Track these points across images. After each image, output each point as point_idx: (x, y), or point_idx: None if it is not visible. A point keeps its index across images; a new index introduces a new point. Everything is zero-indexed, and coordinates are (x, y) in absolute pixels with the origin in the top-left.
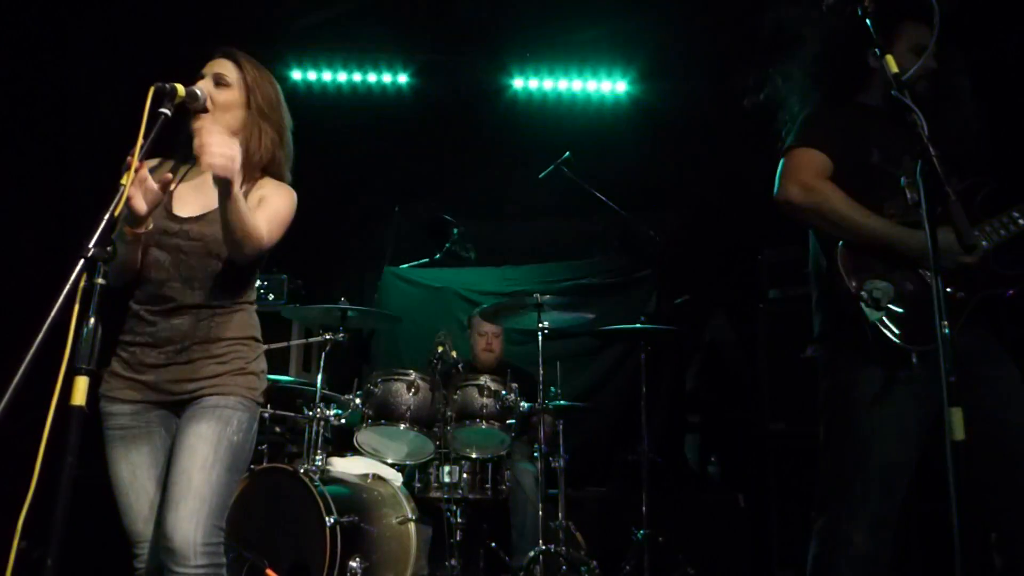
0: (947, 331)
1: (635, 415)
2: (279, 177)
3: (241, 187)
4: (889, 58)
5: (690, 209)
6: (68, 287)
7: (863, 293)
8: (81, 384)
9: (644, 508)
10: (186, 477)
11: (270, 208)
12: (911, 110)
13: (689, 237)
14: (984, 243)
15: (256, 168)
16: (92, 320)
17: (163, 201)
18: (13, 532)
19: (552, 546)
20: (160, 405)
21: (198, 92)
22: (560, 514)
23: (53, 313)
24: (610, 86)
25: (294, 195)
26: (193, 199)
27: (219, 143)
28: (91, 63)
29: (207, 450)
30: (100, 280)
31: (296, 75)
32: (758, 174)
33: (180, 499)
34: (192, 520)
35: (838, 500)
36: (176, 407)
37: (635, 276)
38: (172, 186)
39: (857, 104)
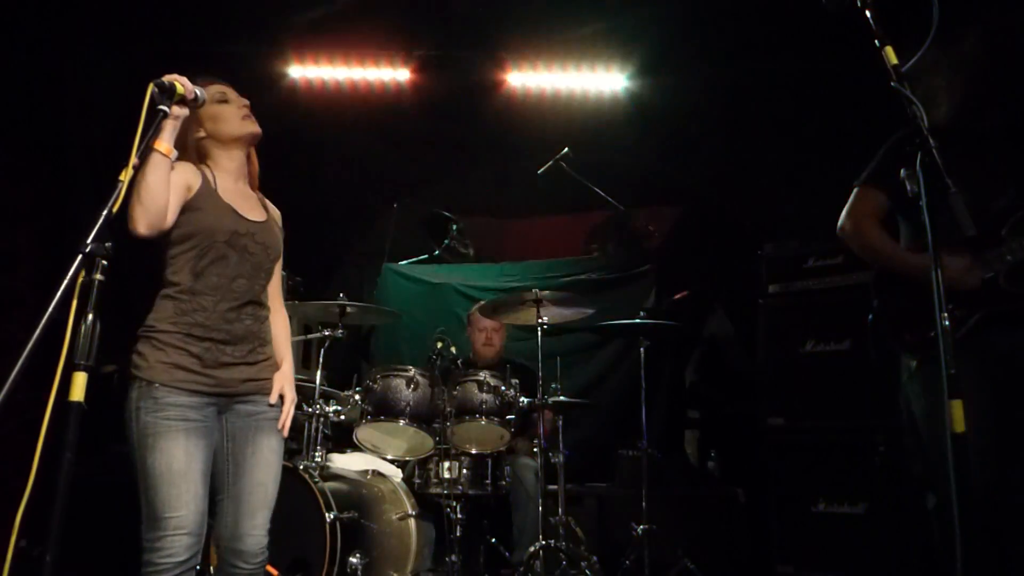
0: (946, 323)
1: (635, 410)
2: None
3: (255, 198)
4: (888, 50)
5: (689, 204)
6: (66, 283)
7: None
8: (80, 380)
9: (644, 503)
10: (263, 490)
11: (276, 285)
12: (912, 102)
13: (688, 232)
14: (1008, 257)
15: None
16: (91, 316)
17: (222, 199)
18: (11, 529)
19: (552, 541)
20: (219, 396)
21: (197, 92)
22: (560, 509)
23: (51, 309)
24: (608, 81)
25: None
26: (243, 202)
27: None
28: (90, 58)
29: (277, 464)
30: (98, 276)
31: (296, 71)
32: (758, 168)
33: (257, 509)
34: (264, 528)
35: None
36: (231, 399)
37: (634, 271)
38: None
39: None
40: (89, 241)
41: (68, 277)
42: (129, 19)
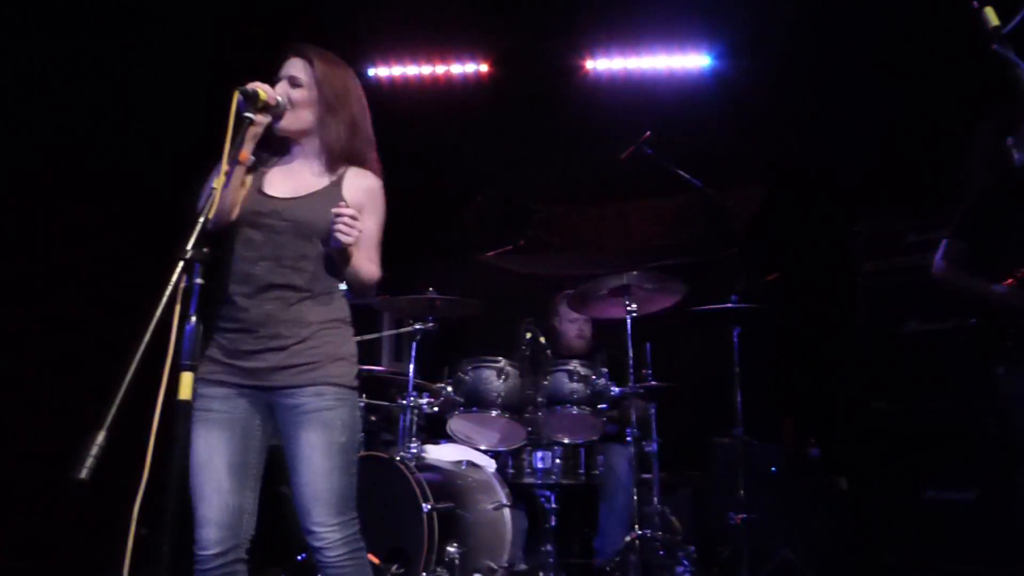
0: None
1: (728, 397)
2: (361, 163)
3: (326, 177)
4: (988, 9)
5: (777, 182)
6: (170, 288)
7: None
8: (186, 379)
9: (742, 492)
10: (310, 488)
11: (369, 236)
12: (1016, 65)
13: (778, 211)
14: None
15: (337, 159)
16: (193, 318)
17: (253, 182)
18: (130, 520)
19: (648, 531)
20: (253, 389)
21: (279, 99)
22: (655, 499)
23: (158, 313)
24: (690, 61)
25: (379, 185)
26: (283, 182)
27: (351, 221)
28: (176, 65)
29: (320, 460)
30: (199, 280)
31: (376, 71)
32: (848, 142)
33: (311, 506)
34: (326, 524)
35: None
36: (270, 392)
37: (723, 254)
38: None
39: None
40: (189, 248)
41: (171, 283)
42: (212, 23)
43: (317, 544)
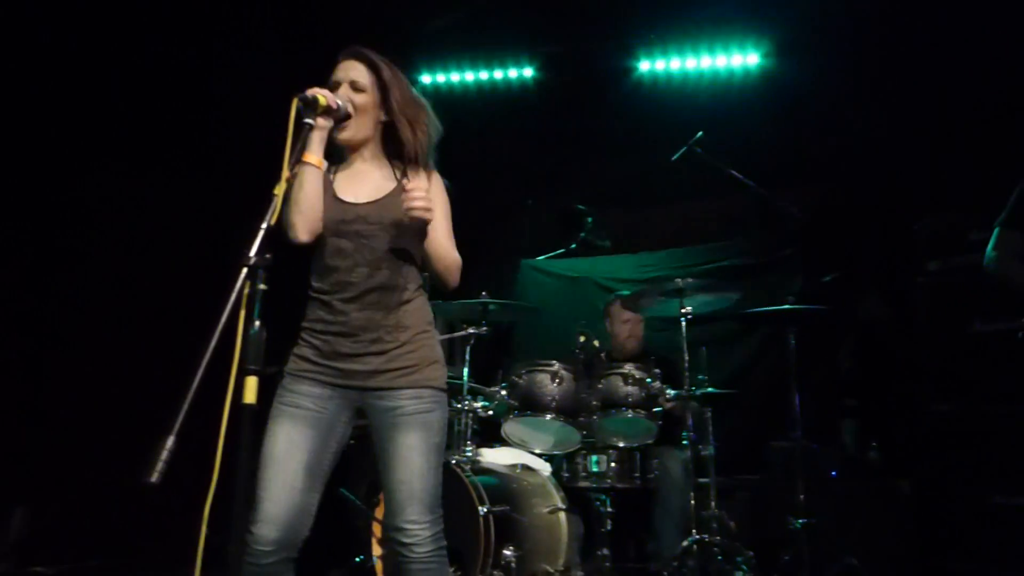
0: None
1: (786, 400)
2: (420, 161)
3: (392, 179)
4: None
5: (833, 181)
6: (235, 294)
7: None
8: (252, 384)
9: (801, 496)
10: (406, 487)
11: (441, 222)
12: None
13: (834, 210)
14: None
15: (401, 159)
16: (257, 323)
17: (326, 190)
18: (200, 522)
19: (706, 536)
20: (348, 390)
21: (340, 104)
22: (712, 503)
23: (223, 319)
24: (741, 60)
25: (439, 179)
26: (355, 187)
27: (422, 196)
28: (231, 71)
29: (419, 460)
30: (262, 286)
31: (426, 78)
32: (905, 139)
33: (404, 505)
34: (418, 523)
35: None
36: (365, 393)
37: (779, 255)
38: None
39: None
40: (252, 254)
41: (236, 289)
42: (266, 30)
43: (407, 541)
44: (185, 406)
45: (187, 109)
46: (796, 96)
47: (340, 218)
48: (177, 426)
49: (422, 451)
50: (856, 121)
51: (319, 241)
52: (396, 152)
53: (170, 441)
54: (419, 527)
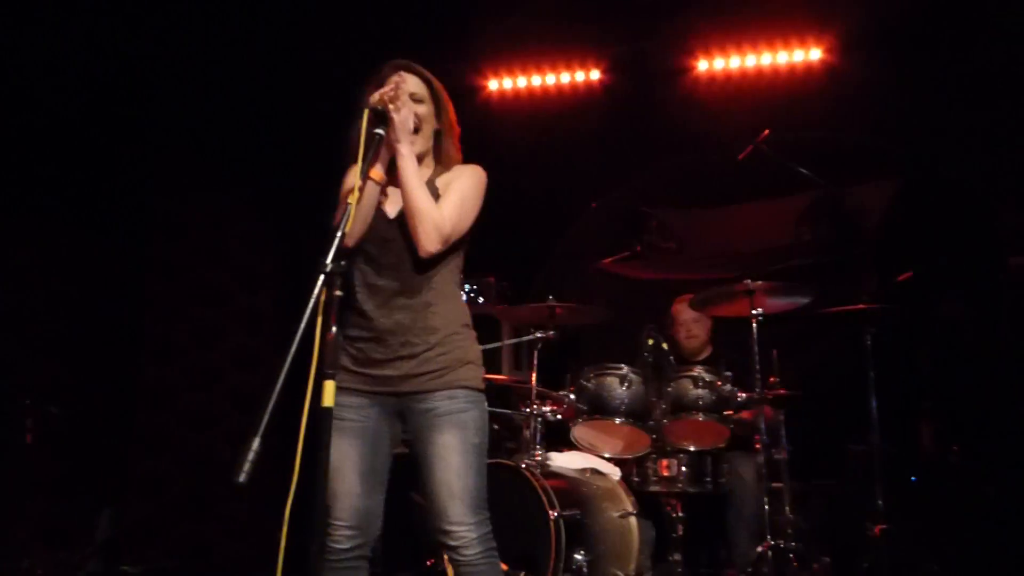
0: None
1: (862, 402)
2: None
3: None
4: None
5: (907, 176)
6: (312, 300)
7: None
8: (330, 388)
9: (880, 501)
10: (447, 488)
11: (450, 196)
12: None
13: (909, 206)
14: None
15: (439, 166)
16: (334, 329)
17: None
18: (282, 523)
19: (781, 541)
20: (385, 396)
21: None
22: (786, 508)
23: (302, 324)
24: (804, 55)
25: (479, 170)
26: (394, 199)
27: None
28: (294, 84)
29: (456, 459)
30: (338, 292)
31: (491, 84)
32: (983, 129)
33: (447, 505)
34: (463, 523)
35: None
36: (401, 398)
37: (852, 254)
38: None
39: None
40: (328, 261)
41: (313, 295)
42: (324, 37)
43: (453, 543)
44: (269, 408)
45: (253, 114)
46: (862, 91)
47: (374, 226)
48: (262, 428)
49: (459, 450)
50: (931, 113)
51: (354, 252)
52: (446, 161)
53: (256, 443)
54: (464, 528)
